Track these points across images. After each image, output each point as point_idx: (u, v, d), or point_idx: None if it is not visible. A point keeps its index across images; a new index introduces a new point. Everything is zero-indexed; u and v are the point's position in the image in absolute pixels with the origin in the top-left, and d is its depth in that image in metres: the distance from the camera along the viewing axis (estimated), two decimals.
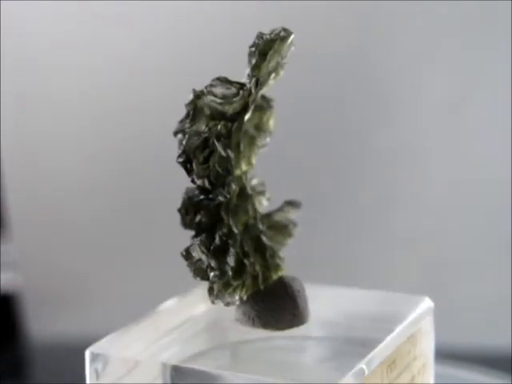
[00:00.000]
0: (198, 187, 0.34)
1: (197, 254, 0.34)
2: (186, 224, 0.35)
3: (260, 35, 0.34)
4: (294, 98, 0.61)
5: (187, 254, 0.34)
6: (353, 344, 0.34)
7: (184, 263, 0.36)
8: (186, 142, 0.34)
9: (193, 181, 0.34)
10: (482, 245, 0.60)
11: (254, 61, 0.34)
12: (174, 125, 0.35)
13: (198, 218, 0.35)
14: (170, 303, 0.38)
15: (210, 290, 0.34)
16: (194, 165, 0.34)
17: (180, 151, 0.34)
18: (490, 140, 0.59)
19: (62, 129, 0.65)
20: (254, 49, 0.34)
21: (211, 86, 0.34)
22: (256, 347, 0.34)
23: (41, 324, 0.66)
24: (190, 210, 0.35)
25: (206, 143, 0.34)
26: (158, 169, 0.63)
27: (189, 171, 0.34)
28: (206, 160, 0.34)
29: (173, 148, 0.36)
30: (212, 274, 0.34)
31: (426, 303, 0.38)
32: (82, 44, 0.63)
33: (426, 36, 0.59)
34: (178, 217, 0.37)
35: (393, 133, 0.60)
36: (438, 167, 0.60)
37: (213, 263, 0.34)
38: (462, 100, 0.59)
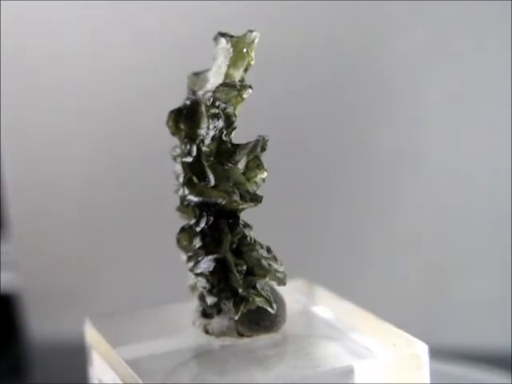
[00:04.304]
0: (252, 194, 0.35)
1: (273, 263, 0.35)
2: (210, 242, 0.35)
3: (231, 36, 0.35)
4: (294, 98, 0.61)
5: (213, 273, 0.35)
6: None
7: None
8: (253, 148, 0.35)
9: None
10: (482, 245, 0.60)
11: (246, 61, 0.34)
12: None
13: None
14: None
15: (237, 305, 0.35)
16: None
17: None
18: (492, 140, 0.59)
19: (63, 129, 0.65)
20: (245, 50, 0.34)
21: (214, 92, 0.34)
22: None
23: (41, 324, 0.66)
24: (222, 224, 0.35)
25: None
26: (160, 167, 0.63)
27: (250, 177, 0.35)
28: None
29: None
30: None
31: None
32: (83, 40, 0.63)
33: (427, 34, 0.59)
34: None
35: (393, 133, 0.60)
36: (439, 167, 0.60)
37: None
38: (463, 99, 0.59)
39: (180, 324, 0.38)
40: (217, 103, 0.34)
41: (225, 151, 0.35)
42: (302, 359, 0.34)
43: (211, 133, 0.35)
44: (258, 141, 0.35)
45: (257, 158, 0.35)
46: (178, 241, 0.36)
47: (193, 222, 0.36)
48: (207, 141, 0.35)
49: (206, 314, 0.37)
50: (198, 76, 0.36)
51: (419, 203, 0.61)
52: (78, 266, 0.66)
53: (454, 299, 0.61)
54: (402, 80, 0.60)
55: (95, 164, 0.65)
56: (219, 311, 0.36)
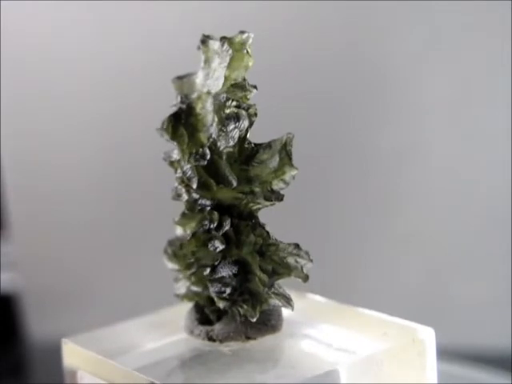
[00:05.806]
0: (276, 193, 0.35)
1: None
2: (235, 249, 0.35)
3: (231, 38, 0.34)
4: (294, 97, 0.61)
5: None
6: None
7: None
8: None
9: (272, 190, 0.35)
10: (482, 245, 0.60)
11: (246, 62, 0.34)
12: None
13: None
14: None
15: (254, 307, 0.34)
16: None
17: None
18: (492, 140, 0.59)
19: (62, 130, 0.65)
20: (245, 51, 0.34)
21: (227, 92, 0.34)
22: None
23: (41, 324, 0.66)
24: (242, 226, 0.35)
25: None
26: (160, 168, 0.63)
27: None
28: None
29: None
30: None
31: None
32: (83, 41, 0.63)
33: (427, 34, 0.59)
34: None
35: (394, 132, 0.60)
36: (439, 167, 0.60)
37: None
38: (463, 99, 0.59)
39: (168, 332, 0.37)
40: (235, 103, 0.34)
41: (247, 151, 0.34)
42: (298, 361, 0.34)
43: (232, 133, 0.34)
44: (288, 138, 0.34)
45: (287, 155, 0.34)
46: (181, 247, 0.36)
47: (211, 225, 0.35)
48: (224, 142, 0.34)
49: (205, 320, 0.36)
50: (183, 80, 0.36)
51: (419, 203, 0.61)
52: (77, 267, 0.66)
53: (454, 299, 0.61)
54: (402, 80, 0.60)
55: (95, 165, 0.65)
56: (219, 317, 0.35)
